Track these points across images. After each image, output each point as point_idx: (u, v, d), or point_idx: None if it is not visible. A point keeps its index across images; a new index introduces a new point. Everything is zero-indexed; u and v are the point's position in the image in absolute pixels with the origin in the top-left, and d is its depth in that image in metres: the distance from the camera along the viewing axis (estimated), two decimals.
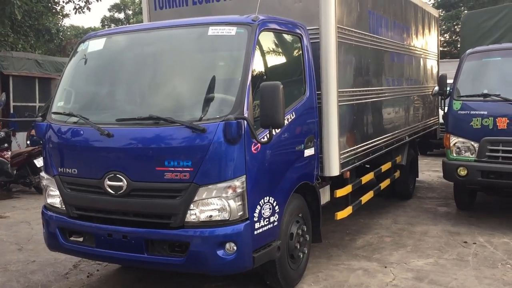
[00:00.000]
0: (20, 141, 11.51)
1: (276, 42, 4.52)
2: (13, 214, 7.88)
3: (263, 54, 4.20)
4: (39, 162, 9.24)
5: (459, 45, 16.65)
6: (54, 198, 4.28)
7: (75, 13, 14.52)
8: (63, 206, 4.20)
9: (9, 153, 9.69)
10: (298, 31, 4.68)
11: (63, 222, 4.21)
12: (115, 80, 4.48)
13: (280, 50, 4.66)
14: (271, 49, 4.45)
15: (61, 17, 19.27)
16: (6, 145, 9.77)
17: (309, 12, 4.93)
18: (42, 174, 4.49)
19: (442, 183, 8.98)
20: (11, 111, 12.39)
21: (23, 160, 9.47)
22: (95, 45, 4.54)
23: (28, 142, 10.91)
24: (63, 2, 14.49)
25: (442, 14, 26.50)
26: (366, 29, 5.98)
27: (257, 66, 4.05)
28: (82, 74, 4.62)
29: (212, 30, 4.05)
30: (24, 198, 9.33)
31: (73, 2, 14.37)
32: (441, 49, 13.28)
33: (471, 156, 6.36)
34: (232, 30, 4.00)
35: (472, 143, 6.35)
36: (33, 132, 10.54)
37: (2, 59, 11.90)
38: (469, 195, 7.22)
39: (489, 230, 6.27)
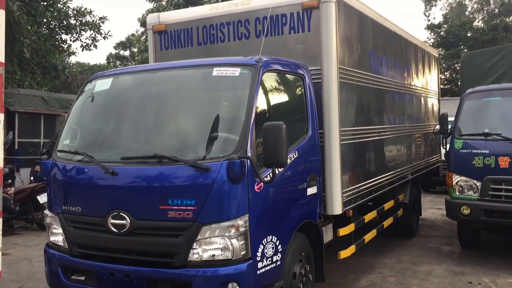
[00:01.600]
0: (24, 177, 11.55)
1: (279, 82, 4.62)
2: (15, 251, 7.83)
3: (266, 94, 4.28)
4: (42, 198, 9.25)
5: (459, 83, 16.88)
6: (57, 236, 4.29)
7: (82, 50, 14.81)
8: (66, 244, 4.20)
9: (13, 189, 9.71)
10: (300, 71, 4.78)
11: (65, 260, 4.20)
12: (121, 119, 4.54)
13: (283, 90, 4.74)
14: (274, 89, 4.53)
15: (68, 55, 19.67)
16: (9, 181, 9.79)
17: (311, 53, 5.05)
18: (46, 212, 4.51)
19: (445, 221, 8.92)
20: (16, 147, 12.48)
21: (26, 196, 9.47)
22: (102, 84, 4.64)
23: (32, 178, 10.93)
24: (71, 40, 14.82)
25: (442, 53, 26.94)
26: (367, 69, 6.10)
27: (261, 105, 4.11)
28: (88, 113, 4.70)
29: (217, 71, 4.15)
30: (26, 234, 9.29)
31: (80, 40, 14.69)
32: (441, 86, 13.46)
33: (474, 194, 6.36)
34: (236, 71, 4.10)
35: (475, 181, 6.36)
36: (37, 168, 10.59)
37: (9, 96, 12.07)
38: (473, 234, 7.17)
39: (494, 270, 6.20)
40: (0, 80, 2.70)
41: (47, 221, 4.44)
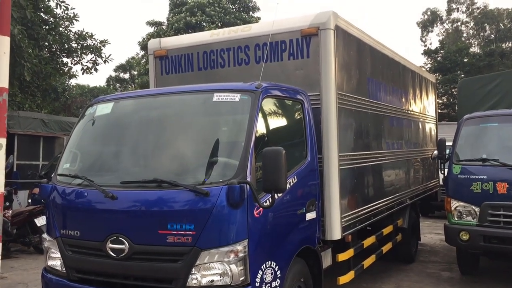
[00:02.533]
0: (21, 200, 11.50)
1: (279, 107, 4.66)
2: (11, 274, 7.75)
3: (266, 119, 4.32)
4: (39, 221, 9.19)
5: (456, 108, 17.02)
6: (55, 260, 4.27)
7: (82, 73, 14.91)
8: (63, 269, 4.17)
9: (10, 211, 9.66)
10: (299, 97, 4.83)
11: (63, 285, 4.16)
12: (121, 143, 4.57)
13: (282, 116, 4.79)
14: (274, 115, 4.58)
15: (69, 78, 19.78)
16: (7, 203, 9.75)
17: (310, 79, 5.12)
18: (44, 235, 4.49)
19: (444, 246, 8.88)
20: (14, 169, 12.46)
21: (24, 219, 9.42)
22: (103, 109, 4.68)
23: (29, 200, 10.89)
24: (72, 63, 14.93)
25: (439, 78, 27.21)
26: (366, 95, 6.16)
27: (260, 130, 4.14)
28: (89, 137, 4.73)
29: (217, 97, 4.20)
30: (23, 258, 9.20)
31: (81, 63, 14.80)
32: (439, 111, 13.60)
33: (472, 220, 6.36)
34: (236, 97, 4.15)
35: (473, 207, 6.36)
36: (35, 190, 10.56)
37: (9, 118, 12.08)
38: (472, 259, 7.14)
39: None
40: (4, 106, 2.75)
41: (45, 245, 4.42)
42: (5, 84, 2.80)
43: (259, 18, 27.45)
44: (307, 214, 4.59)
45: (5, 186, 9.95)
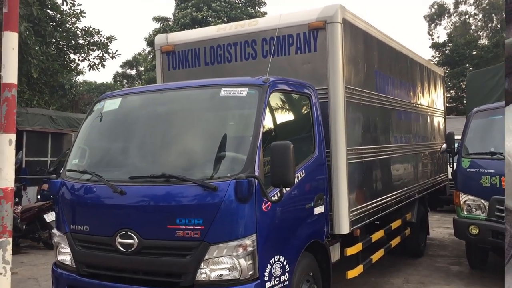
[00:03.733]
0: (31, 196, 11.58)
1: (286, 102, 4.65)
2: (21, 270, 7.82)
3: (273, 113, 4.31)
4: (48, 217, 9.26)
5: (465, 101, 16.91)
6: (65, 255, 4.30)
7: (89, 70, 14.94)
8: (73, 264, 4.20)
9: (20, 207, 9.73)
10: (307, 91, 4.82)
11: (73, 280, 4.19)
12: (129, 138, 4.58)
13: (289, 110, 4.78)
14: (281, 109, 4.57)
15: (75, 74, 19.85)
16: (16, 199, 9.81)
17: (318, 73, 5.10)
18: (54, 231, 4.53)
19: (453, 240, 8.84)
20: (23, 165, 12.54)
21: (33, 215, 9.48)
22: (110, 104, 4.69)
23: (39, 196, 10.96)
24: (79, 60, 14.96)
25: (447, 71, 27.02)
26: (373, 89, 6.13)
27: (268, 125, 4.14)
28: (97, 132, 4.75)
29: (224, 91, 4.20)
30: (32, 253, 9.28)
31: (88, 60, 14.83)
32: (447, 105, 13.50)
33: (481, 214, 6.31)
34: (243, 91, 4.14)
35: (483, 201, 6.31)
36: (44, 186, 10.63)
37: (17, 115, 11.95)
38: (481, 254, 7.09)
39: None
40: (13, 101, 2.76)
41: (55, 240, 4.45)
42: (14, 80, 2.81)
43: (265, 13, 27.39)
44: (315, 209, 4.59)
45: (14, 182, 9.99)
